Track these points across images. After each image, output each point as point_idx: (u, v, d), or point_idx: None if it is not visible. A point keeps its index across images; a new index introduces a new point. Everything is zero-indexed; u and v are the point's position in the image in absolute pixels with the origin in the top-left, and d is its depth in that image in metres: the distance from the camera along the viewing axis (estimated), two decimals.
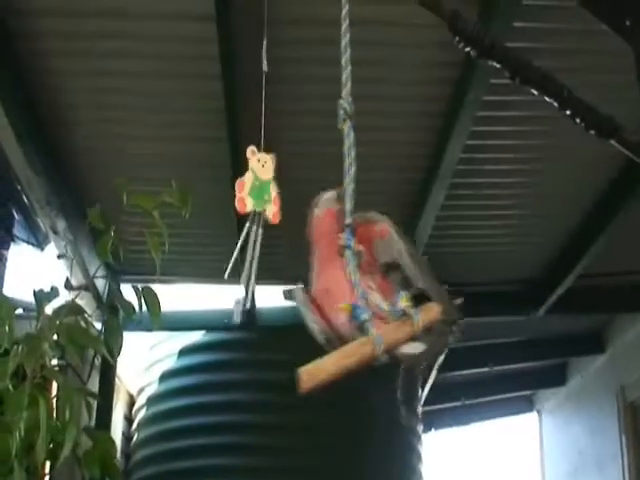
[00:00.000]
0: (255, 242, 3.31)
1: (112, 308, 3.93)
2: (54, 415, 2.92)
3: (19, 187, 5.15)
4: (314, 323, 1.94)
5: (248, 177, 3.34)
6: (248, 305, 3.23)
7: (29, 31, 4.13)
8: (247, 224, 3.33)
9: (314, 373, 1.68)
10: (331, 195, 2.19)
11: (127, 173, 4.98)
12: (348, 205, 1.98)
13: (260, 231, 3.36)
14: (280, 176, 5.21)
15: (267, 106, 4.59)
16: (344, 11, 2.09)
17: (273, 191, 3.34)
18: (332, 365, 1.69)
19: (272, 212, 3.29)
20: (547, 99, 3.07)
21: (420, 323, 1.74)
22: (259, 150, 3.44)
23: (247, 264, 3.28)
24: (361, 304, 1.78)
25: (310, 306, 2.00)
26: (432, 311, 1.80)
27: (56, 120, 4.72)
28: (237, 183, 3.35)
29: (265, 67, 3.58)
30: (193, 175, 5.19)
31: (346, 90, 2.06)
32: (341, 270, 1.92)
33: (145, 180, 4.82)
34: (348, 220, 1.93)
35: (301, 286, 2.13)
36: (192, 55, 4.34)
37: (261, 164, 3.38)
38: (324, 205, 2.21)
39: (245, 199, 3.38)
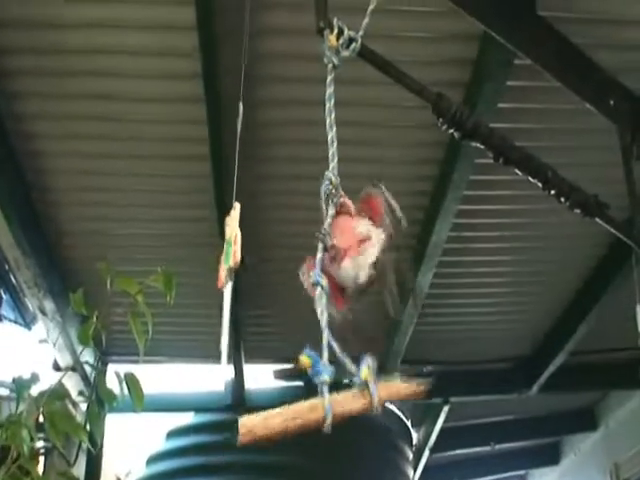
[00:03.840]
0: (226, 302, 3.23)
1: (96, 394, 3.87)
2: None
3: (7, 267, 5.14)
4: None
5: (223, 251, 3.25)
6: (224, 361, 3.13)
7: (16, 113, 4.17)
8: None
9: (255, 428, 1.63)
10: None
11: (114, 254, 4.99)
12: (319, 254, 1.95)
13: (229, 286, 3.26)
14: (269, 256, 5.28)
15: (253, 186, 4.66)
16: (328, 91, 2.10)
17: (234, 236, 3.21)
18: (276, 424, 1.63)
19: (232, 256, 3.15)
20: (531, 179, 3.11)
21: (378, 401, 1.68)
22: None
23: (224, 321, 3.19)
24: (324, 360, 1.72)
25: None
26: (394, 389, 1.74)
27: (44, 202, 4.74)
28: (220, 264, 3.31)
29: (239, 125, 3.56)
30: (180, 254, 5.20)
31: (333, 165, 2.06)
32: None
33: (132, 260, 4.83)
34: (318, 263, 1.89)
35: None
36: (178, 136, 4.39)
37: (228, 228, 3.30)
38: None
39: (220, 274, 3.26)
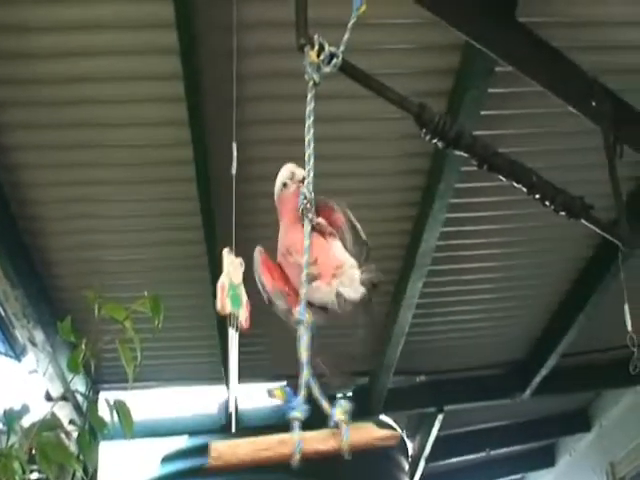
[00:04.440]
0: (232, 345, 3.26)
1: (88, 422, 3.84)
2: None
3: None
4: (260, 281, 2.16)
5: (225, 279, 3.31)
6: (232, 409, 3.16)
7: (0, 145, 4.14)
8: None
9: (225, 455, 1.62)
10: (299, 174, 2.21)
11: (103, 280, 4.96)
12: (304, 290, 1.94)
13: (236, 334, 3.31)
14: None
15: (241, 206, 4.65)
16: (308, 108, 2.10)
17: (244, 296, 3.28)
18: (245, 454, 1.62)
19: (244, 317, 3.23)
20: (516, 185, 3.12)
21: (348, 443, 1.66)
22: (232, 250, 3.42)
23: (230, 368, 3.23)
24: (300, 397, 1.71)
25: (261, 266, 2.16)
26: (366, 433, 1.72)
27: (31, 232, 4.72)
28: (218, 285, 3.32)
29: (234, 170, 3.58)
30: (170, 277, 5.17)
31: (308, 181, 2.06)
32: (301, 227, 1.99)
33: (122, 286, 4.81)
34: (303, 301, 1.88)
35: (259, 248, 2.20)
36: (164, 159, 4.38)
37: (234, 266, 3.35)
38: (294, 182, 2.24)
39: (225, 301, 3.33)
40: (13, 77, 3.87)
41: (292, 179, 2.26)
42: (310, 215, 1.95)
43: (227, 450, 1.59)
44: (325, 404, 1.66)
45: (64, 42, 3.72)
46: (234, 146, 3.41)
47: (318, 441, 1.62)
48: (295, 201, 2.11)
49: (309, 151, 2.06)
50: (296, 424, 1.62)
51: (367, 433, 1.67)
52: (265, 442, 1.61)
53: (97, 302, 3.31)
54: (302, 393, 1.66)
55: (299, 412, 1.63)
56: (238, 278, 3.29)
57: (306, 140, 2.06)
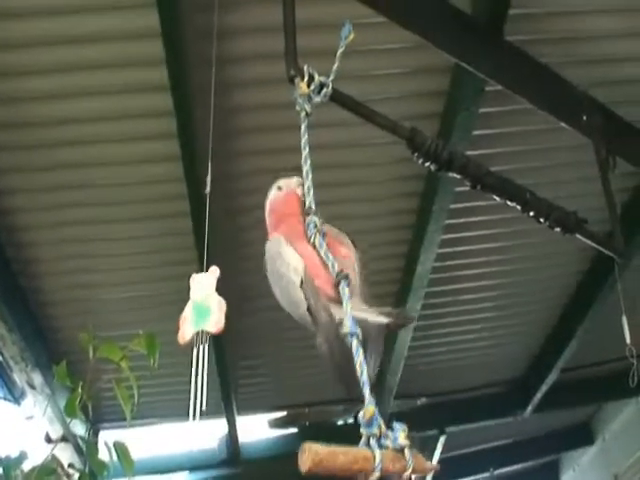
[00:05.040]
0: (200, 366, 3.15)
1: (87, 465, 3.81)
2: None
3: None
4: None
5: (187, 308, 3.16)
6: (196, 420, 3.05)
7: None
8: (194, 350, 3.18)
9: (326, 462, 1.59)
10: (295, 180, 2.17)
11: (99, 320, 4.93)
12: None
13: (206, 348, 3.18)
14: (253, 306, 5.24)
15: (234, 237, 4.64)
16: (303, 139, 2.09)
17: (213, 302, 3.11)
18: (343, 463, 1.60)
19: (214, 323, 3.03)
20: (509, 203, 3.12)
21: (411, 471, 1.65)
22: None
23: (193, 385, 3.11)
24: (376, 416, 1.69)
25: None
26: (420, 461, 1.71)
27: (25, 274, 4.69)
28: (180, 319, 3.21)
29: (208, 188, 3.51)
30: (165, 313, 5.12)
31: (313, 211, 2.03)
32: (309, 245, 1.96)
33: (118, 324, 4.76)
34: (349, 313, 1.83)
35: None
36: (156, 196, 4.37)
37: (199, 285, 3.22)
38: (287, 187, 2.20)
39: (184, 330, 3.15)
40: (3, 120, 3.85)
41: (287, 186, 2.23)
42: (322, 237, 1.93)
43: (328, 457, 1.56)
44: (383, 425, 1.64)
45: (53, 84, 3.71)
46: (209, 165, 3.35)
47: (388, 461, 1.62)
48: (292, 206, 2.12)
49: (308, 183, 2.05)
50: (376, 444, 1.60)
51: (421, 461, 1.67)
52: (354, 455, 1.59)
53: (92, 344, 3.29)
54: (372, 410, 1.63)
55: (376, 428, 1.61)
56: (203, 291, 3.13)
57: (304, 171, 2.06)
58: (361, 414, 1.63)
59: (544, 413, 7.12)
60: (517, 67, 3.74)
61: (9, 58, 3.59)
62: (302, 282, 1.95)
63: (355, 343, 1.72)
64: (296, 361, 5.88)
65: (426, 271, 4.94)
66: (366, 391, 1.66)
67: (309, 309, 1.92)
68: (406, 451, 1.62)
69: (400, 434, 1.64)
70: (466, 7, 3.57)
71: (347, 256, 2.05)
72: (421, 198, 4.58)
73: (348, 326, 1.74)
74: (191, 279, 3.17)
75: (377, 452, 1.59)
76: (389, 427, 1.64)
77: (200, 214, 4.17)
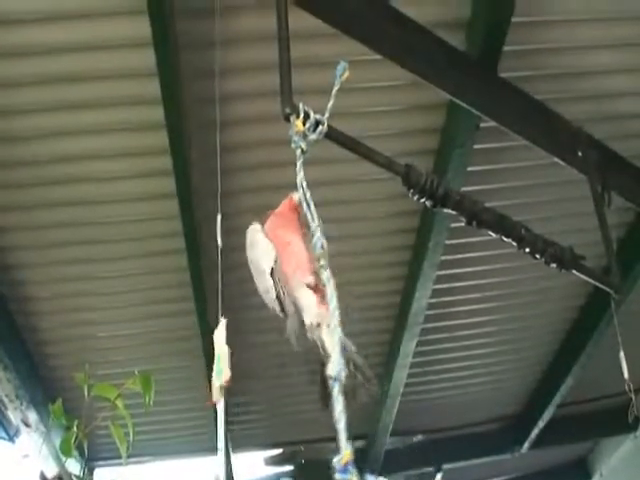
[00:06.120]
0: (221, 417, 3.15)
1: None
2: None
3: None
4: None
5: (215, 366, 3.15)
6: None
7: None
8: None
9: None
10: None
11: (96, 358, 4.92)
12: None
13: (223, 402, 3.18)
14: (248, 342, 5.23)
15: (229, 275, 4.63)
16: (299, 177, 2.10)
17: (224, 355, 3.10)
18: None
19: (226, 377, 3.02)
20: (505, 239, 3.13)
21: None
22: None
23: (219, 437, 3.11)
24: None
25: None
26: None
27: (22, 312, 4.68)
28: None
29: (219, 242, 3.55)
30: (163, 350, 5.13)
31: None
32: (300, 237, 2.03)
33: (116, 362, 4.77)
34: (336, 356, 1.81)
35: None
36: (152, 233, 4.38)
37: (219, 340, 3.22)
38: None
39: (214, 389, 3.13)
40: None
41: None
42: (327, 273, 1.89)
43: None
44: (355, 475, 1.62)
45: (50, 123, 3.72)
46: (218, 218, 3.37)
47: None
48: (286, 205, 2.14)
49: (309, 214, 2.06)
50: None
51: None
52: None
53: (87, 384, 3.29)
54: (348, 455, 1.56)
55: (350, 475, 1.56)
56: (219, 346, 3.14)
57: (304, 206, 2.07)
58: (336, 459, 1.60)
59: (541, 450, 7.09)
60: (512, 103, 3.75)
61: (3, 98, 3.60)
62: (272, 270, 2.03)
63: (337, 389, 1.66)
64: (291, 398, 5.85)
65: (422, 307, 4.94)
66: (342, 437, 1.62)
67: (277, 297, 2.00)
68: None
69: None
70: (460, 44, 3.59)
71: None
72: (416, 234, 4.59)
73: (332, 370, 1.68)
74: (214, 335, 3.17)
75: None
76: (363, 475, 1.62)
77: (194, 251, 4.19)
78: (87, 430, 3.07)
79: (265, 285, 2.06)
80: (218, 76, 3.26)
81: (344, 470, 1.59)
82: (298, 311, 1.92)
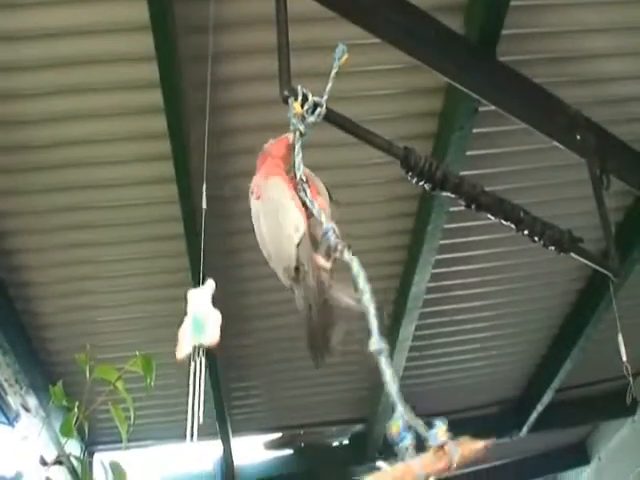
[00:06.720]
0: (199, 375, 3.11)
1: None
2: None
3: None
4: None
5: (185, 322, 3.11)
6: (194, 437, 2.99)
7: None
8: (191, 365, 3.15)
9: None
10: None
11: (96, 342, 4.90)
12: None
13: (203, 362, 3.13)
14: (247, 327, 5.24)
15: (227, 261, 4.64)
16: (297, 159, 2.11)
17: (209, 315, 3.03)
18: None
19: (209, 335, 2.96)
20: (504, 222, 3.13)
21: (457, 459, 1.64)
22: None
23: (191, 398, 3.08)
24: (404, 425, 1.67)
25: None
26: (467, 446, 1.71)
27: (21, 297, 4.68)
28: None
29: (204, 204, 3.52)
30: (163, 335, 5.11)
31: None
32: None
33: (113, 347, 4.76)
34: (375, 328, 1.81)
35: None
36: (151, 218, 4.38)
37: (196, 300, 3.18)
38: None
39: (182, 344, 3.08)
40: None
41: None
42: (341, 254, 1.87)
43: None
44: (422, 427, 1.63)
45: (50, 107, 3.72)
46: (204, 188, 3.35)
47: (434, 463, 1.60)
48: (279, 148, 2.20)
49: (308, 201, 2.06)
50: (410, 450, 1.59)
51: (467, 446, 1.65)
52: (400, 471, 1.59)
53: (88, 365, 3.29)
54: (403, 420, 1.57)
55: (409, 439, 1.55)
56: (200, 305, 3.08)
57: (300, 190, 2.07)
58: (388, 432, 1.61)
59: (540, 433, 7.11)
60: (510, 87, 3.76)
61: (5, 82, 3.60)
62: (299, 242, 2.00)
63: (384, 360, 1.64)
64: (290, 382, 5.87)
65: (421, 292, 4.94)
66: (398, 405, 1.63)
67: (297, 268, 1.98)
68: (446, 447, 1.61)
69: (438, 432, 1.63)
70: (459, 28, 3.59)
71: (323, 206, 2.06)
72: (415, 218, 4.59)
73: (375, 343, 1.64)
74: (188, 293, 3.16)
75: (417, 461, 1.57)
76: (429, 425, 1.63)
77: (194, 235, 4.18)
78: (87, 412, 3.08)
79: (283, 252, 2.05)
80: (211, 58, 3.27)
81: (402, 438, 1.61)
82: (320, 285, 1.91)
